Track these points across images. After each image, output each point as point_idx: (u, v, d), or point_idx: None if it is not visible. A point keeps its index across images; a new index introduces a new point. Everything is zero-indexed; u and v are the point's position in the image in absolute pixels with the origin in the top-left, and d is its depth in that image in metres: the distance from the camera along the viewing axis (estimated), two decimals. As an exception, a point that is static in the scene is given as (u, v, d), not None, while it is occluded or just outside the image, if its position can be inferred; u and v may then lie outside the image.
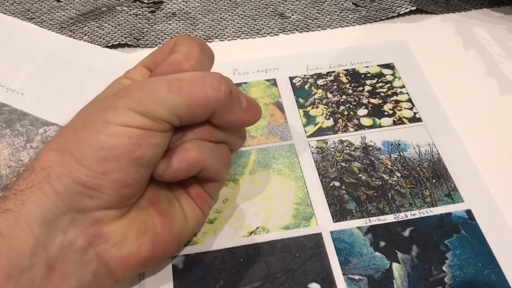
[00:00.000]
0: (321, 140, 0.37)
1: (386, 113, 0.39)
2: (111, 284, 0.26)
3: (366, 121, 0.38)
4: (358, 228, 0.32)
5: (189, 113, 0.26)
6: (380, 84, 0.41)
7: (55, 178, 0.24)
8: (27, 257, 0.23)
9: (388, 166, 0.35)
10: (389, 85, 0.41)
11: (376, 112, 0.39)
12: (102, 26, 0.45)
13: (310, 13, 0.47)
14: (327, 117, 0.38)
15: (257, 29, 0.46)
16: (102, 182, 0.24)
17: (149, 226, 0.27)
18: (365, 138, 0.37)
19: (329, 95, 0.40)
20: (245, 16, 0.47)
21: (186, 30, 0.46)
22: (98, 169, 0.24)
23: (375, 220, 0.32)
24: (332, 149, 0.36)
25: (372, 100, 0.40)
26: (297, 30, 0.46)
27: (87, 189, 0.24)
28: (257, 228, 0.32)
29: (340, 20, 0.47)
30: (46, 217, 0.24)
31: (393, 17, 0.47)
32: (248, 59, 0.43)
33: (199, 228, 0.32)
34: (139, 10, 0.47)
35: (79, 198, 0.24)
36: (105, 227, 0.25)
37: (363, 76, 0.41)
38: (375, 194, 0.34)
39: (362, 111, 0.39)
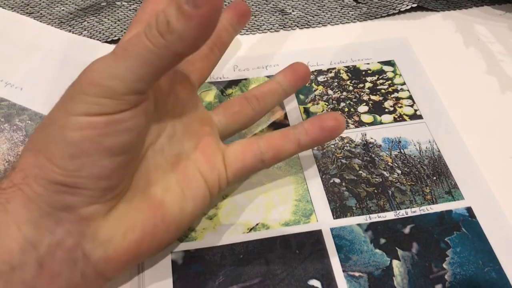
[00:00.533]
0: (321, 136, 0.37)
1: (386, 110, 0.39)
2: (102, 282, 0.26)
3: (367, 118, 0.38)
4: (358, 225, 0.32)
5: (150, 72, 0.23)
6: (381, 81, 0.41)
7: (33, 180, 0.23)
8: (17, 254, 0.23)
9: (389, 163, 0.35)
10: (389, 82, 0.41)
11: (377, 109, 0.39)
12: (102, 21, 0.45)
13: (311, 9, 0.47)
14: (327, 114, 0.38)
15: (258, 25, 0.46)
16: (78, 179, 0.23)
17: (138, 222, 0.26)
18: (365, 135, 0.37)
19: (330, 92, 0.40)
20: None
21: (186, 25, 0.45)
22: (70, 167, 0.23)
23: (375, 217, 0.32)
24: (333, 146, 0.36)
25: (372, 97, 0.39)
26: (297, 26, 0.46)
27: (66, 188, 0.23)
28: (257, 224, 0.32)
29: (341, 16, 0.46)
30: (32, 216, 0.23)
31: (394, 14, 0.47)
32: (248, 55, 0.43)
33: (203, 210, 0.30)
34: (139, 5, 0.47)
35: (60, 197, 0.23)
36: (93, 225, 0.24)
37: (363, 73, 0.41)
38: (376, 191, 0.34)
39: (362, 108, 0.39)
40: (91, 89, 0.23)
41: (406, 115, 0.38)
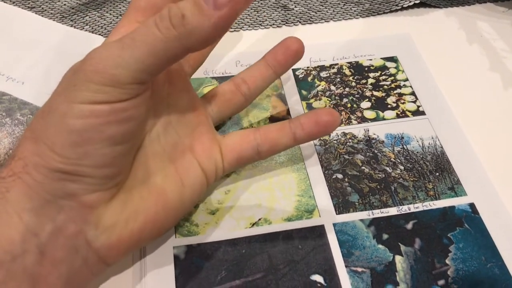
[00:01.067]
0: (324, 132, 0.37)
1: (389, 106, 0.38)
2: (103, 268, 0.26)
3: (369, 114, 0.38)
4: (361, 220, 0.32)
5: (156, 63, 0.23)
6: (384, 77, 0.41)
7: (33, 168, 0.23)
8: (18, 243, 0.23)
9: (391, 159, 0.35)
10: (392, 78, 0.40)
11: (380, 105, 0.39)
12: (104, 15, 0.45)
13: (313, 5, 0.47)
14: (330, 110, 0.38)
15: (260, 21, 0.45)
16: (80, 168, 0.23)
17: (141, 209, 0.26)
18: (368, 130, 0.37)
19: (332, 88, 0.40)
20: (248, 7, 0.47)
21: (188, 21, 0.45)
22: (72, 155, 0.23)
23: (378, 213, 0.32)
24: (335, 142, 0.36)
25: (375, 93, 0.39)
26: (300, 22, 0.45)
27: (67, 175, 0.23)
28: (259, 219, 0.32)
29: (343, 12, 0.46)
30: (32, 205, 0.23)
31: (396, 10, 0.46)
32: (250, 51, 0.43)
33: (200, 197, 0.30)
34: (141, 0, 0.47)
35: (61, 185, 0.23)
36: (95, 212, 0.24)
37: (366, 68, 0.41)
38: (378, 186, 0.34)
39: (365, 104, 0.39)
40: (95, 77, 0.23)
41: (409, 111, 0.38)
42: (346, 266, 0.30)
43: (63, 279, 0.24)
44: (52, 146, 0.23)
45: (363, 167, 0.35)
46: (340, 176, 0.34)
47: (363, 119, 0.38)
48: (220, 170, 0.30)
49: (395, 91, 0.39)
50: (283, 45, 0.34)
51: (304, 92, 0.39)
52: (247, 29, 0.45)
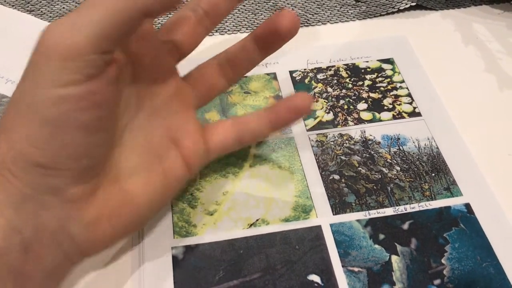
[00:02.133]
0: (321, 133, 0.37)
1: (385, 107, 0.39)
2: (84, 259, 0.26)
3: (366, 115, 0.38)
4: (358, 221, 0.32)
5: (115, 27, 0.22)
6: (380, 79, 0.41)
7: (11, 163, 0.22)
8: (1, 241, 0.22)
9: (388, 160, 0.36)
10: (388, 79, 0.41)
11: (376, 106, 0.39)
12: (102, 18, 0.45)
13: (311, 7, 0.47)
14: (327, 111, 0.39)
15: (257, 23, 0.46)
16: (59, 159, 0.23)
17: (123, 204, 0.26)
18: (364, 132, 0.37)
19: (329, 89, 0.40)
20: (245, 10, 0.47)
21: (186, 23, 0.46)
22: (49, 148, 0.22)
23: (374, 213, 0.33)
24: (332, 143, 0.36)
25: (372, 95, 0.40)
26: (297, 24, 0.46)
27: (47, 169, 0.23)
28: (257, 220, 0.32)
29: (340, 15, 0.47)
30: (13, 201, 0.23)
31: (393, 12, 0.47)
32: (248, 53, 0.43)
33: (181, 186, 0.30)
34: (139, 3, 0.47)
35: (41, 179, 0.23)
36: (78, 207, 0.24)
37: (363, 70, 0.42)
38: (375, 187, 0.34)
39: (362, 106, 0.39)
40: (53, 53, 0.21)
41: (405, 113, 0.38)
42: (343, 266, 0.30)
43: (45, 273, 0.24)
44: (28, 139, 0.22)
45: (359, 168, 0.35)
46: (337, 177, 0.35)
47: (359, 121, 0.38)
48: (203, 161, 0.30)
49: (391, 93, 0.40)
50: (273, 22, 0.30)
51: (301, 94, 0.40)
52: (244, 32, 0.45)
